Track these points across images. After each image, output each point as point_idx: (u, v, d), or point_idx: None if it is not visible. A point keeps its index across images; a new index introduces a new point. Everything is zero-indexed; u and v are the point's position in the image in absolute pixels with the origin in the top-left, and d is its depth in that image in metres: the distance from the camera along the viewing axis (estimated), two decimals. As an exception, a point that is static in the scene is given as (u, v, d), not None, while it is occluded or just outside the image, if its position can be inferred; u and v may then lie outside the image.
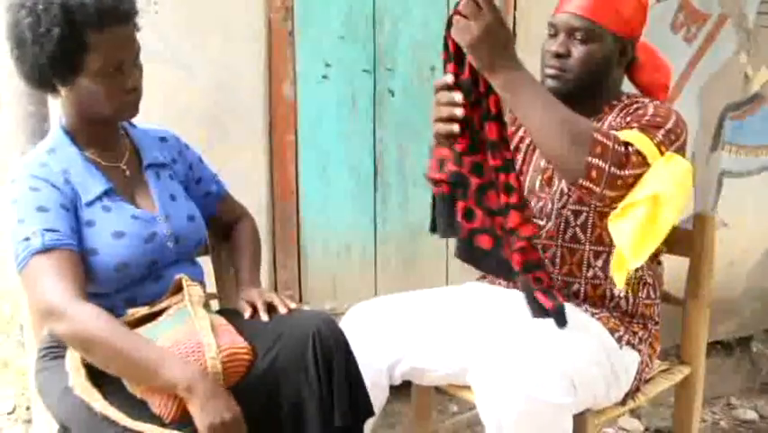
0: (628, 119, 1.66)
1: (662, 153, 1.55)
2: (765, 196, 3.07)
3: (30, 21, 1.49)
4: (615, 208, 1.53)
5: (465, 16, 1.47)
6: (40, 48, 1.50)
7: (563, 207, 1.75)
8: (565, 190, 1.75)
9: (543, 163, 1.82)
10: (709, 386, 2.02)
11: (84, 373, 1.49)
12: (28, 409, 2.51)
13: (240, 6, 2.34)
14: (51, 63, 1.51)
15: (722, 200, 3.07)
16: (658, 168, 1.52)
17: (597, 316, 1.71)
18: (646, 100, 1.75)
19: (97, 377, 1.49)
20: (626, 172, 1.50)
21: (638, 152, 1.52)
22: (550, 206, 1.78)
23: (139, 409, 1.44)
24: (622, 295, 1.74)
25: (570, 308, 1.69)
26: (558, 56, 1.71)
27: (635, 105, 1.72)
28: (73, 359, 1.51)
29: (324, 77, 2.48)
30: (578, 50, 1.70)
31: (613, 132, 1.55)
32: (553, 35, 1.74)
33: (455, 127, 1.55)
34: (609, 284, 1.73)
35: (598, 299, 1.75)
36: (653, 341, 1.79)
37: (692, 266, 1.88)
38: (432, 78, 2.59)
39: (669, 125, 1.61)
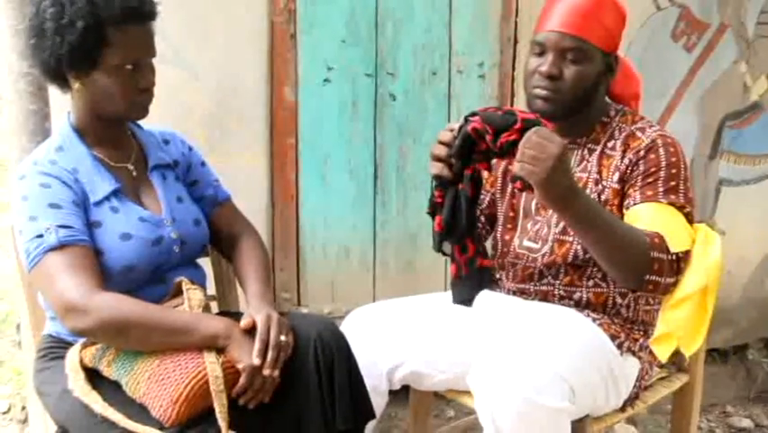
0: (641, 170, 1.64)
1: (690, 219, 1.63)
2: (762, 205, 3.08)
3: (53, 11, 1.50)
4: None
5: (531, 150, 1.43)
6: (61, 38, 1.50)
7: (561, 232, 1.75)
8: None
9: None
10: (705, 394, 2.02)
11: (83, 376, 1.48)
12: (24, 408, 2.50)
13: (242, 9, 2.34)
14: (70, 55, 1.51)
15: (719, 209, 3.08)
16: (703, 255, 1.64)
17: (598, 322, 1.71)
18: (639, 120, 1.73)
19: (96, 380, 1.48)
20: (680, 277, 1.60)
21: (686, 253, 1.60)
22: (546, 229, 1.78)
23: (138, 412, 1.43)
24: (623, 303, 1.74)
25: (572, 313, 1.71)
26: (550, 77, 1.65)
27: (637, 142, 1.67)
28: (72, 361, 1.50)
29: (326, 80, 2.48)
30: (570, 71, 1.65)
31: (656, 234, 1.56)
32: (540, 54, 1.68)
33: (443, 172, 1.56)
34: (611, 292, 1.73)
35: (599, 305, 1.75)
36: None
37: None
38: (433, 82, 2.60)
39: (682, 171, 1.65)
